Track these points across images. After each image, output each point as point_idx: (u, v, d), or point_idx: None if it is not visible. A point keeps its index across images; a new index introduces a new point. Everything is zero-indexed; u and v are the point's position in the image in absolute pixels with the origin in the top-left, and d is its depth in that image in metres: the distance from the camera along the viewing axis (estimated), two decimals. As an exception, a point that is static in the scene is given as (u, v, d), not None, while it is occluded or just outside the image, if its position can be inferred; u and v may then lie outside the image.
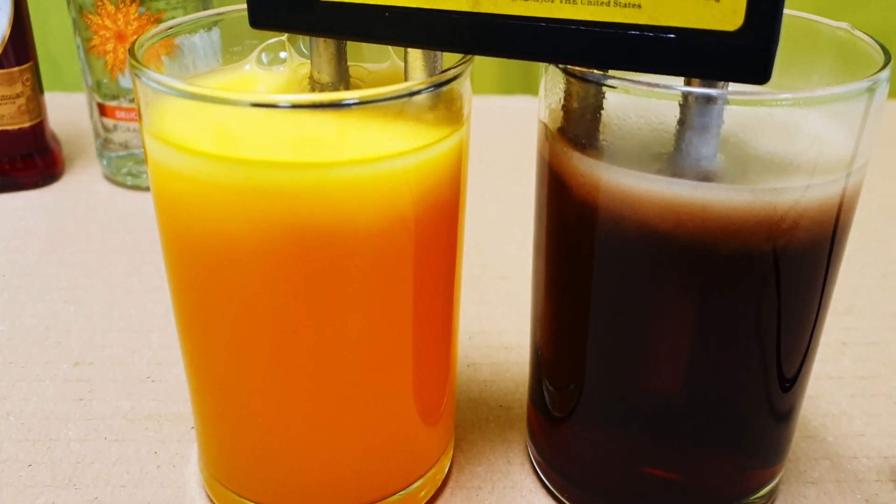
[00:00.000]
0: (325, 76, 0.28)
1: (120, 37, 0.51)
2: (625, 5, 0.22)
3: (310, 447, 0.29)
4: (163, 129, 0.25)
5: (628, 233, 0.26)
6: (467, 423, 0.37)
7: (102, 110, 0.54)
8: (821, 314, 0.29)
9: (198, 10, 0.50)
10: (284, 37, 0.30)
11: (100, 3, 0.49)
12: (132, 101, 0.53)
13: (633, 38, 0.23)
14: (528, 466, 0.34)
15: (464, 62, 0.26)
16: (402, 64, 0.27)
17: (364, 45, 0.29)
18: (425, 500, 0.32)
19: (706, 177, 0.25)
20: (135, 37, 0.48)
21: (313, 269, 0.25)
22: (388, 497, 0.31)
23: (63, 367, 0.39)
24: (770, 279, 0.26)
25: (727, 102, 0.24)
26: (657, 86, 0.24)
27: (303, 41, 0.29)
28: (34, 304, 0.44)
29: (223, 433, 0.30)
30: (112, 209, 0.54)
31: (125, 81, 0.53)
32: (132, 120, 0.54)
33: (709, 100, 0.24)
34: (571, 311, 0.30)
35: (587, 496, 0.32)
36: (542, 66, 0.28)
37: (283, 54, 0.30)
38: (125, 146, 0.55)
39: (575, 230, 0.28)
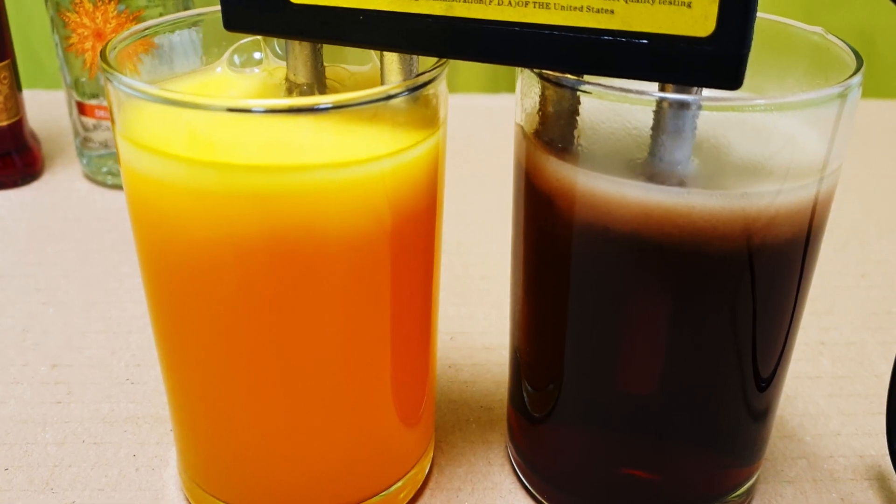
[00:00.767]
0: (301, 78, 0.28)
1: (98, 35, 0.50)
2: (598, 11, 0.22)
3: (288, 450, 0.29)
4: (135, 133, 0.24)
5: (603, 236, 0.26)
6: (448, 424, 0.37)
7: (81, 109, 0.54)
8: (796, 315, 0.29)
9: (177, 8, 0.50)
10: (260, 38, 0.30)
11: (78, 1, 0.49)
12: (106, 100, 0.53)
13: (607, 43, 0.23)
14: (507, 467, 0.34)
15: (439, 66, 0.26)
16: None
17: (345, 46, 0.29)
18: (405, 502, 0.32)
19: (680, 181, 0.25)
20: (113, 35, 0.48)
21: (289, 274, 0.25)
22: (367, 499, 0.31)
23: (41, 370, 0.39)
24: (745, 281, 0.26)
25: (700, 108, 0.24)
26: (630, 91, 0.24)
27: (278, 43, 0.29)
28: (12, 305, 0.44)
29: (201, 436, 0.30)
30: (92, 208, 0.54)
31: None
32: (112, 119, 0.53)
33: (682, 105, 0.24)
34: (549, 312, 0.30)
35: (566, 497, 0.32)
36: (517, 70, 0.28)
37: (257, 55, 0.30)
38: (105, 145, 0.54)
39: (551, 233, 0.28)
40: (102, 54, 0.25)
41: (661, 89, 0.24)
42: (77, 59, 0.52)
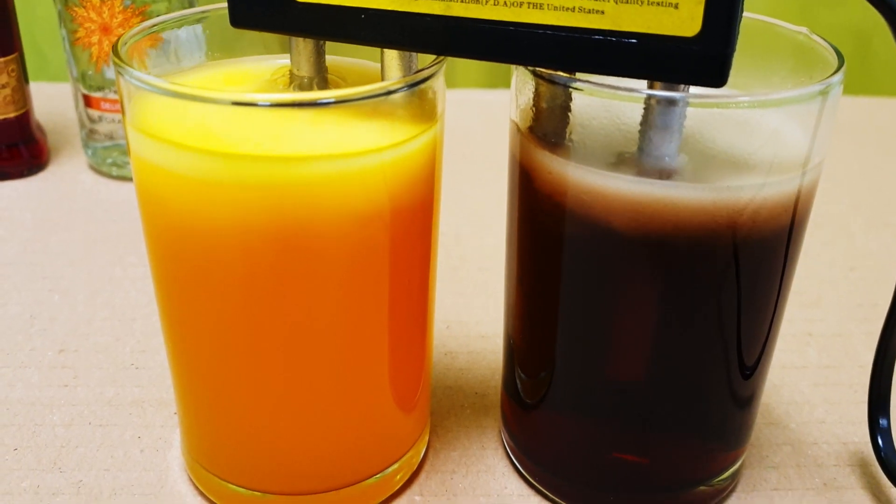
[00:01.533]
0: (304, 73, 0.29)
1: (105, 29, 0.51)
2: (589, 11, 0.23)
3: (288, 432, 0.30)
4: (145, 124, 0.25)
5: (594, 228, 0.27)
6: (443, 410, 0.38)
7: (87, 101, 0.55)
8: (780, 305, 0.30)
9: (182, 4, 0.51)
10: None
11: (85, -4, 0.50)
12: (117, 92, 0.54)
13: (597, 42, 0.24)
14: (501, 451, 0.36)
15: (437, 63, 0.27)
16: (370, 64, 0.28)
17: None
18: (401, 483, 0.33)
19: (668, 175, 0.26)
20: (120, 29, 0.49)
21: (291, 261, 0.26)
22: (364, 480, 0.32)
23: (48, 355, 0.40)
24: (730, 272, 0.27)
25: (687, 105, 0.25)
26: (620, 88, 0.25)
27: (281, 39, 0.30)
28: (19, 292, 0.45)
29: (205, 418, 0.31)
30: (97, 199, 0.55)
31: (110, 73, 0.53)
32: (117, 111, 0.54)
33: (669, 102, 0.25)
34: (541, 302, 0.31)
35: (557, 480, 0.33)
36: (512, 67, 0.29)
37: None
38: (110, 137, 0.55)
39: (544, 225, 0.29)
40: (115, 49, 0.26)
41: (650, 87, 0.25)
42: (84, 53, 0.53)
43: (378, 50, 0.27)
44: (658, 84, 0.25)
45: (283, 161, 0.24)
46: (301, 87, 0.29)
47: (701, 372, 0.30)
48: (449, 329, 0.43)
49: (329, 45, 0.29)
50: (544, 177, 0.28)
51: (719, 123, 0.27)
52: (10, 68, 0.53)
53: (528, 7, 0.24)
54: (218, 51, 0.31)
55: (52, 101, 0.66)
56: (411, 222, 0.28)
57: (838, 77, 0.26)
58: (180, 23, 0.30)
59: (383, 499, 0.33)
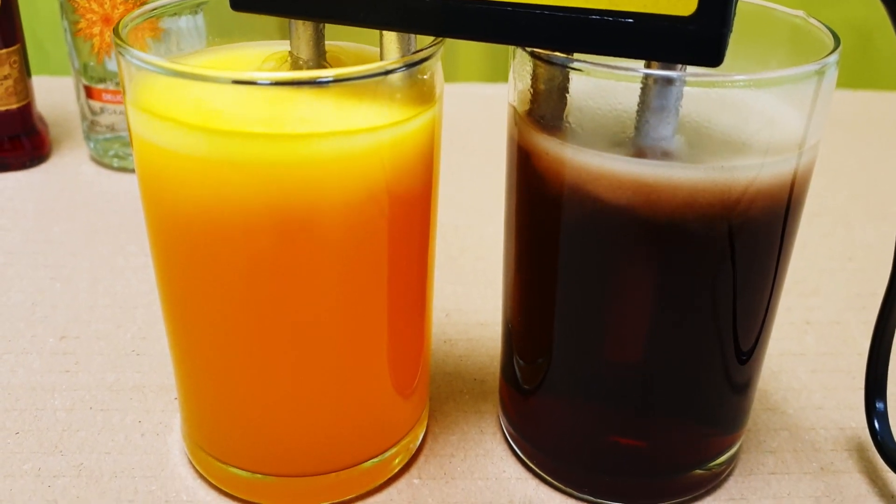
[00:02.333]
0: (303, 56, 0.29)
1: (106, 20, 0.51)
2: (586, -10, 0.24)
3: (287, 414, 0.30)
4: (146, 104, 0.26)
5: (591, 209, 0.27)
6: (442, 395, 0.38)
7: (89, 93, 0.55)
8: (776, 288, 0.31)
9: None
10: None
11: (86, -13, 0.50)
12: (118, 83, 0.54)
13: (595, 22, 0.24)
14: (499, 436, 0.36)
15: (435, 44, 0.27)
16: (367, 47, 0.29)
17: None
18: (399, 467, 0.34)
19: (665, 156, 0.26)
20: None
21: (290, 241, 0.26)
22: (362, 463, 0.32)
23: (49, 341, 0.40)
24: (727, 253, 0.28)
25: (684, 84, 0.25)
26: (617, 68, 0.25)
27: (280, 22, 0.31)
28: (21, 280, 0.45)
29: (204, 401, 0.32)
30: (98, 190, 0.55)
31: (112, 64, 0.54)
32: (119, 102, 0.54)
33: (666, 82, 0.25)
34: (539, 285, 0.31)
35: (555, 463, 0.33)
36: (510, 50, 0.29)
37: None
38: (112, 128, 0.56)
39: (542, 207, 0.29)
40: (115, 30, 0.26)
41: (647, 67, 0.26)
42: (85, 44, 0.53)
43: (377, 33, 0.28)
44: (655, 64, 0.25)
45: (282, 139, 0.25)
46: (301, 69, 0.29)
47: (698, 355, 0.30)
48: (448, 317, 0.44)
49: (328, 30, 0.29)
50: (542, 159, 0.28)
51: (716, 104, 0.27)
52: (12, 59, 0.53)
53: (526, -13, 0.24)
54: (217, 37, 0.32)
55: (53, 94, 0.66)
56: (410, 204, 0.28)
57: (834, 57, 0.26)
58: (181, 7, 0.30)
59: (382, 481, 0.33)
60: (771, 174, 0.27)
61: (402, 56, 0.27)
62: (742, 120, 0.26)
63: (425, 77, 0.27)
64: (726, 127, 0.27)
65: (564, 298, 0.30)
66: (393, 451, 0.33)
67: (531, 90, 0.28)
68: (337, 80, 0.24)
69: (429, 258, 0.32)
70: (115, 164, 0.57)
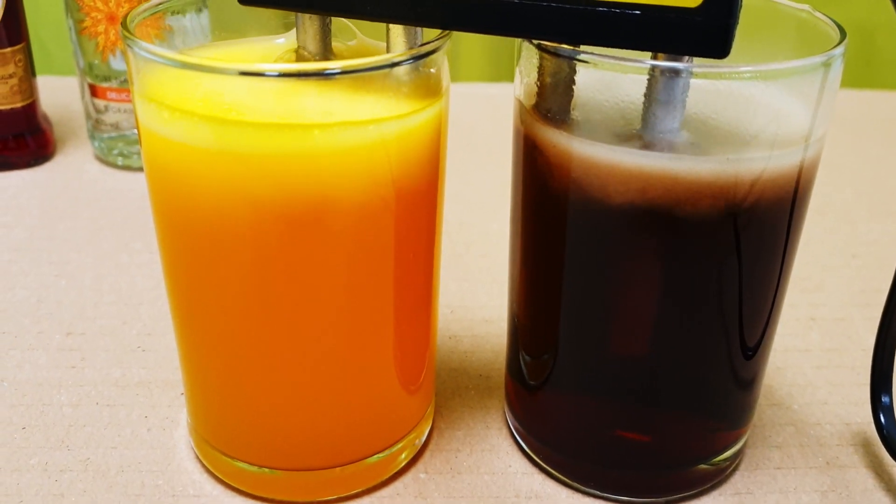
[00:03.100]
0: (311, 51, 0.29)
1: (111, 18, 0.52)
2: (593, -18, 0.24)
3: (293, 409, 0.31)
4: (153, 96, 0.26)
5: (597, 202, 0.27)
6: (448, 391, 0.38)
7: (94, 91, 0.55)
8: (782, 282, 0.31)
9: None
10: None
11: (91, -15, 0.50)
12: (123, 81, 0.54)
13: (601, 14, 0.24)
14: (505, 431, 0.36)
15: (442, 37, 0.27)
16: (369, 41, 0.29)
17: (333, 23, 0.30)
18: (405, 462, 0.34)
19: (671, 149, 0.26)
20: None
21: (297, 234, 0.26)
22: (368, 457, 0.32)
23: (55, 337, 0.40)
24: (734, 246, 0.28)
25: (690, 75, 0.25)
26: (624, 60, 0.25)
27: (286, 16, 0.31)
28: (26, 277, 0.45)
29: (211, 395, 0.32)
30: (102, 188, 0.55)
31: (116, 63, 0.54)
32: (123, 101, 0.55)
33: (673, 74, 0.25)
34: (545, 278, 0.31)
35: (561, 458, 0.33)
36: (517, 43, 0.29)
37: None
38: (116, 127, 0.56)
39: (548, 201, 0.29)
40: (124, 23, 0.26)
41: (653, 59, 0.26)
42: (90, 43, 0.53)
43: (384, 27, 0.28)
44: (661, 56, 0.25)
45: (290, 130, 0.25)
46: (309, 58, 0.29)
47: (704, 349, 0.30)
48: (453, 313, 0.44)
49: (335, 28, 0.29)
50: (549, 152, 0.28)
51: (723, 97, 0.27)
52: (17, 58, 0.53)
53: (533, -22, 0.24)
54: (222, 32, 0.32)
55: (57, 94, 0.66)
56: (417, 197, 0.28)
57: (840, 49, 0.26)
58: (186, 2, 0.30)
59: (388, 476, 0.33)
60: (777, 167, 0.27)
61: (409, 49, 0.27)
62: (749, 113, 0.26)
63: (432, 71, 0.27)
64: (733, 119, 0.27)
65: (571, 292, 0.30)
66: (399, 445, 0.33)
67: (537, 83, 0.28)
68: (344, 72, 0.24)
69: (435, 253, 0.32)
70: (120, 163, 0.57)
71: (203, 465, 0.33)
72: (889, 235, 0.52)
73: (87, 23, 0.52)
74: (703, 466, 0.33)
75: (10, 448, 0.34)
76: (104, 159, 0.58)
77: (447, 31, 0.27)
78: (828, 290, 0.46)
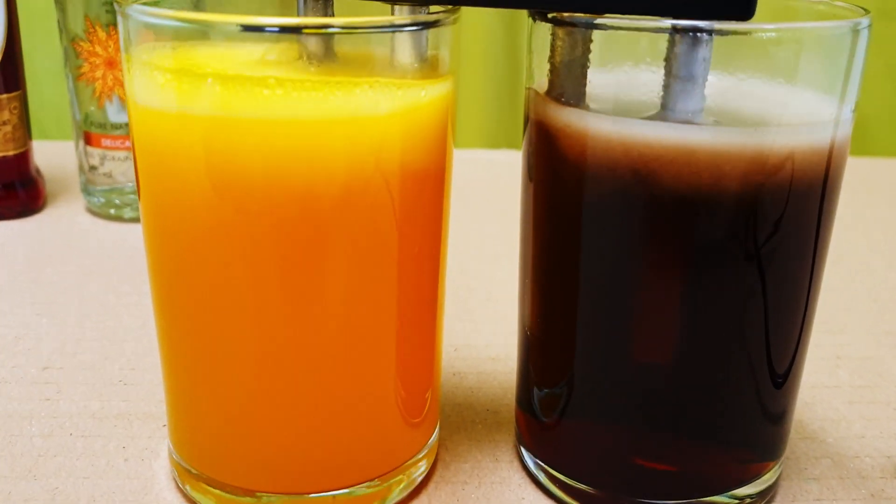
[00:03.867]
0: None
1: (110, 63, 0.51)
2: (610, -64, 0.23)
3: (280, 423, 0.28)
4: (148, 61, 0.24)
5: (616, 182, 0.25)
6: (453, 426, 0.35)
7: (88, 139, 0.54)
8: (812, 291, 0.29)
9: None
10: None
11: (91, 31, 0.50)
12: (117, 127, 0.53)
13: (619, -27, 0.23)
14: (516, 464, 0.33)
15: (447, 11, 0.26)
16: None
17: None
18: (404, 492, 0.30)
19: (693, 119, 0.24)
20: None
21: (293, 218, 0.24)
22: (357, 485, 0.29)
23: (31, 371, 0.38)
24: (761, 236, 0.26)
25: (714, 35, 0.24)
26: (643, 28, 0.24)
27: None
28: (4, 315, 0.43)
29: (195, 409, 0.29)
30: (94, 239, 0.53)
31: (112, 111, 0.53)
32: (118, 148, 0.53)
33: (696, 36, 0.24)
34: (560, 281, 0.29)
35: (584, 487, 0.30)
36: (527, 25, 0.28)
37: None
38: (110, 176, 0.54)
39: (563, 191, 0.27)
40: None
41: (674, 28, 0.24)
42: (87, 89, 0.52)
43: (389, 9, 0.27)
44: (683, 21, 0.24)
45: (281, 85, 0.23)
46: (309, 54, 0.28)
47: (729, 370, 0.28)
48: (457, 351, 0.41)
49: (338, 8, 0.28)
50: (565, 135, 0.26)
51: (747, 63, 0.25)
52: (12, 105, 0.53)
53: (547, -66, 0.23)
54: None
55: (52, 158, 0.65)
56: (421, 182, 0.27)
57: (867, 20, 0.25)
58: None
59: (388, 507, 0.30)
60: (806, 142, 0.25)
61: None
62: (775, 84, 0.25)
63: (437, 48, 0.26)
64: (757, 89, 0.25)
65: (589, 294, 0.28)
66: (397, 477, 0.30)
67: (550, 64, 0.27)
68: (345, 30, 0.23)
69: (440, 261, 0.30)
70: (112, 213, 0.55)
71: (184, 495, 0.30)
72: (909, 282, 0.50)
73: (85, 68, 0.51)
74: (732, 497, 0.30)
75: (-30, 477, 0.30)
76: (96, 212, 0.56)
77: (455, 7, 0.26)
78: (851, 331, 0.44)
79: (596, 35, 0.25)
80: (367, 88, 0.23)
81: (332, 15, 0.28)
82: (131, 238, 0.53)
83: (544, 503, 0.31)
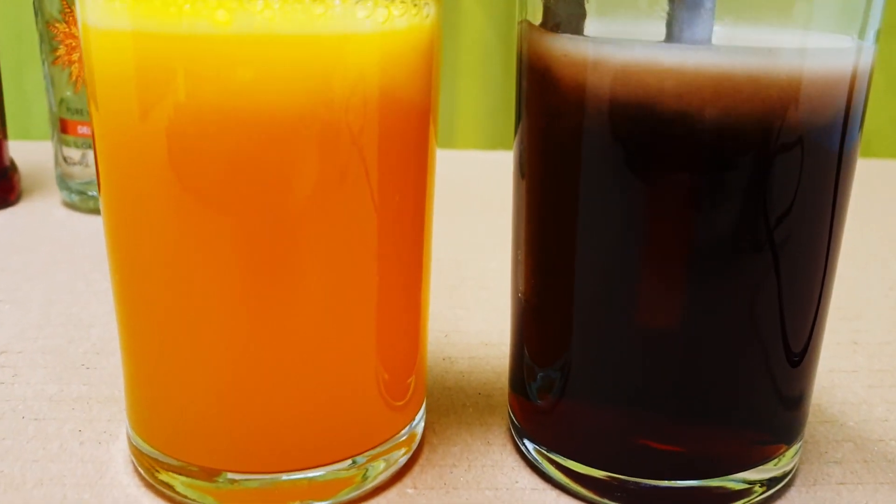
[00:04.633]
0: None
1: (86, 46, 0.49)
2: None
3: (244, 390, 0.25)
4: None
5: (621, 115, 0.23)
6: (442, 409, 0.32)
7: (63, 127, 0.51)
8: (831, 254, 0.26)
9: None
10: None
11: (67, 10, 0.48)
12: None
13: None
14: (510, 447, 0.30)
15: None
16: None
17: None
18: (383, 475, 0.28)
19: (703, 38, 0.22)
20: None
21: (260, 154, 0.22)
22: (327, 465, 0.26)
23: (-14, 355, 0.35)
24: (778, 167, 0.23)
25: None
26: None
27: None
28: (-35, 302, 0.40)
29: (153, 381, 0.26)
30: (67, 230, 0.51)
31: (90, 98, 0.51)
32: (94, 136, 0.51)
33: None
34: (557, 233, 0.26)
35: (584, 470, 0.27)
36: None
37: None
38: (85, 164, 0.52)
39: (560, 125, 0.25)
40: None
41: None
42: (63, 73, 0.50)
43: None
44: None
45: (252, 13, 0.21)
46: None
47: (741, 337, 0.25)
48: (448, 337, 0.38)
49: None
50: (561, 65, 0.24)
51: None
52: (-15, 93, 0.50)
53: None
54: None
55: (28, 156, 0.63)
56: (404, 117, 0.24)
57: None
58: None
59: (359, 491, 0.27)
60: (825, 65, 0.23)
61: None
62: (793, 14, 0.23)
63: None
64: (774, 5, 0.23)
65: (588, 248, 0.25)
66: (374, 452, 0.27)
67: (544, -5, 0.25)
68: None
69: (426, 210, 0.27)
70: (91, 206, 0.53)
71: (141, 479, 0.27)
72: (925, 272, 0.47)
73: (61, 51, 0.49)
74: (743, 482, 0.27)
75: None
76: (72, 205, 0.54)
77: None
78: (867, 317, 0.41)
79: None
80: (349, 3, 0.21)
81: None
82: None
83: (541, 486, 0.28)
